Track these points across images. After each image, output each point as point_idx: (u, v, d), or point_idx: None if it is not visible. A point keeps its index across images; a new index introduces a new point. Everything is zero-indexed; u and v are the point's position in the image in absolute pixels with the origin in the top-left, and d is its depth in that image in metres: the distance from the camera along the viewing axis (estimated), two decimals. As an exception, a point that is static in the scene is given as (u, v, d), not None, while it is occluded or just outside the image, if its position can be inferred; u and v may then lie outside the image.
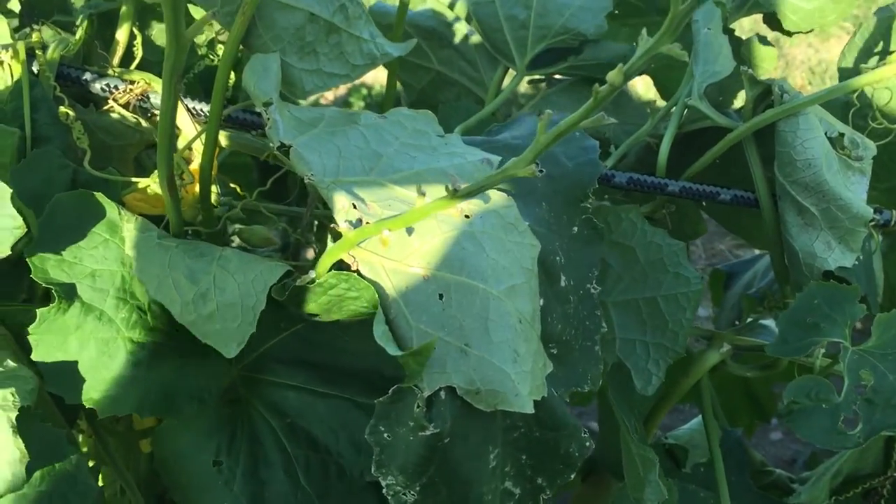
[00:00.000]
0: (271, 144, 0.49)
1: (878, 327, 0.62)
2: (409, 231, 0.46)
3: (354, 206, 0.46)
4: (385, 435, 0.47)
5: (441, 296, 0.47)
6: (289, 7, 0.54)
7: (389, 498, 0.48)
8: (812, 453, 1.36)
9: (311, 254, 0.85)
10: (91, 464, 0.75)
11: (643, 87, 1.53)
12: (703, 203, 0.86)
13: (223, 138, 0.66)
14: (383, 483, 0.47)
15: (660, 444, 0.97)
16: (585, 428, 0.54)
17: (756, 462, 1.06)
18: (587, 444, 0.54)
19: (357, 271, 0.48)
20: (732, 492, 0.84)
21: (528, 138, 0.58)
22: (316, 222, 0.78)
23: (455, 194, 0.39)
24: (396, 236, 0.46)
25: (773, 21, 0.85)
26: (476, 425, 0.49)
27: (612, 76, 0.33)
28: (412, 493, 0.48)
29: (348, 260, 0.46)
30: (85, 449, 0.76)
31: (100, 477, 0.77)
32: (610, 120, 0.34)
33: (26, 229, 0.47)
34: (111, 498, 0.78)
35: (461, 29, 0.98)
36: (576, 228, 0.58)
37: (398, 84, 1.05)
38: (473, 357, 0.47)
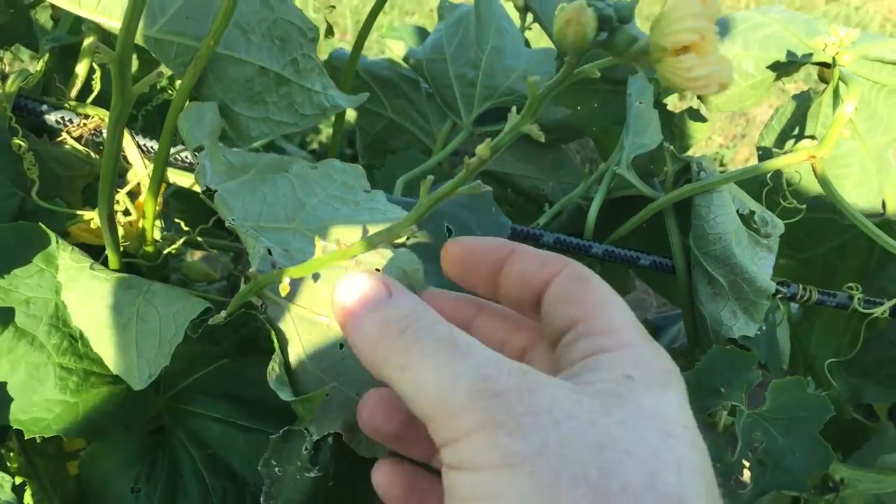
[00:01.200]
0: (201, 188, 0.52)
1: (772, 392, 0.67)
2: (315, 278, 0.49)
3: (269, 252, 0.49)
4: (276, 469, 0.49)
5: (341, 346, 0.50)
6: (240, 61, 0.57)
7: None
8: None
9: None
10: (18, 481, 0.77)
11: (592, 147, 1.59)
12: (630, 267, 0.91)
13: (172, 175, 0.69)
14: None
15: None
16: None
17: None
18: None
19: (265, 314, 0.51)
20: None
21: (452, 206, 0.62)
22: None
23: (348, 248, 0.42)
24: (306, 285, 0.49)
25: (701, 99, 0.90)
26: (361, 471, 0.52)
27: (480, 149, 0.37)
28: None
29: (257, 303, 0.49)
30: (15, 465, 0.77)
31: (28, 495, 0.78)
32: (486, 188, 0.38)
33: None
34: (35, 517, 0.79)
35: (414, 82, 1.03)
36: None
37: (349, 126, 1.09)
38: None
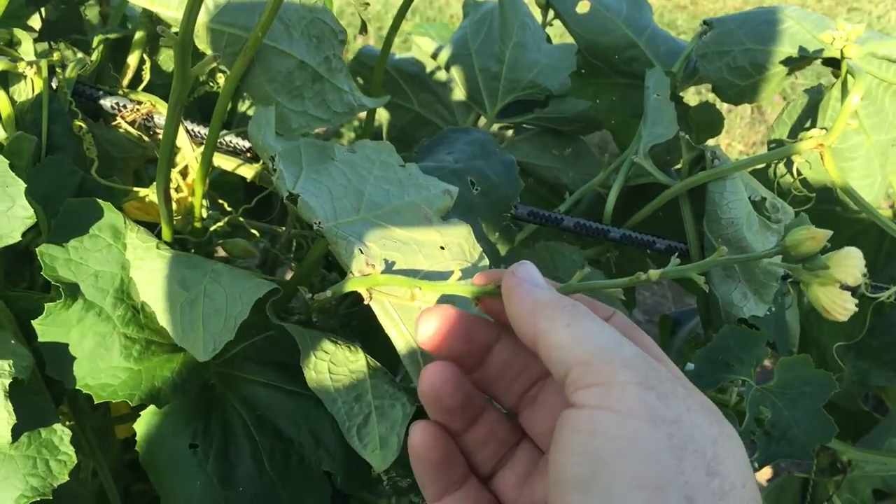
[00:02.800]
0: (280, 193, 0.56)
1: (780, 369, 0.71)
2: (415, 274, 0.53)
3: (361, 252, 0.53)
4: None
5: None
6: (284, 53, 0.62)
7: (388, 486, 0.55)
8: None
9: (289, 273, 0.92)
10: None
11: (609, 139, 1.63)
12: (648, 251, 0.95)
13: (217, 159, 0.74)
14: (384, 476, 0.55)
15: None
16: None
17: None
18: None
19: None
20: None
21: (467, 161, 0.66)
22: (292, 240, 0.85)
23: (483, 287, 0.47)
24: (404, 275, 0.53)
25: (716, 91, 0.94)
26: None
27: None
28: (408, 480, 0.55)
29: (364, 294, 0.53)
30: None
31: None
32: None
33: (35, 220, 0.54)
34: (84, 480, 0.84)
35: (440, 76, 1.08)
36: (497, 234, 0.67)
37: (380, 120, 1.13)
38: None
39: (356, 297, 0.57)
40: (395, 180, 0.61)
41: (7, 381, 0.51)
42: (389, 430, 0.54)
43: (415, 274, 0.54)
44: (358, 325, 0.83)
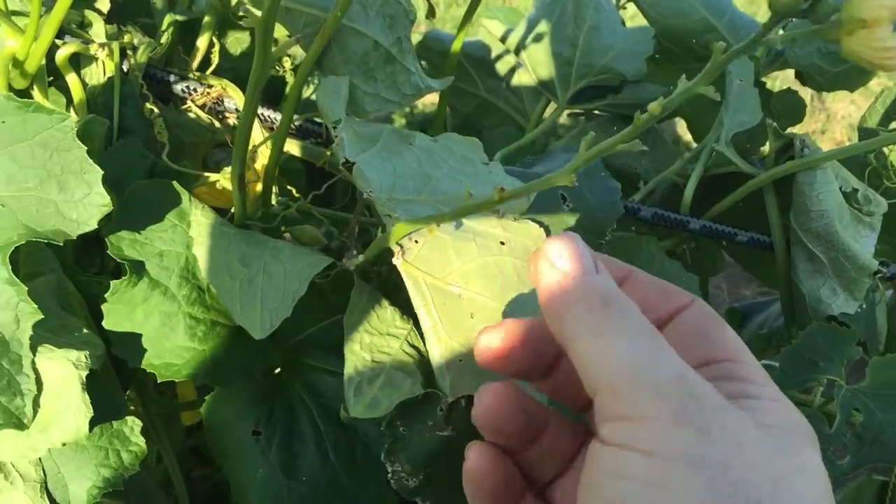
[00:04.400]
0: (337, 159, 0.55)
1: (872, 369, 0.67)
2: (451, 250, 0.51)
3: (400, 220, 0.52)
4: (401, 429, 0.53)
5: (472, 315, 0.52)
6: (360, 33, 0.60)
7: (392, 482, 0.54)
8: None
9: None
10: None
11: (676, 129, 1.59)
12: (724, 243, 0.91)
13: (286, 143, 0.73)
14: (389, 469, 0.53)
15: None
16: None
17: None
18: None
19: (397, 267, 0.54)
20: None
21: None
22: (359, 228, 0.84)
23: (492, 197, 0.45)
24: (440, 254, 0.52)
25: (802, 78, 0.90)
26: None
27: (653, 106, 0.38)
28: (415, 480, 0.53)
29: (395, 249, 0.52)
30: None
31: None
32: (643, 147, 0.39)
33: (112, 208, 0.54)
34: (150, 465, 0.84)
35: (509, 61, 1.05)
36: None
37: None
38: (491, 374, 0.52)
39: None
40: (472, 174, 0.59)
41: (85, 374, 0.51)
42: (386, 397, 0.52)
43: (461, 261, 0.52)
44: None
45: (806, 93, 1.01)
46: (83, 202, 0.51)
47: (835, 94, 2.67)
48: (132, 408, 0.81)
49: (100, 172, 0.52)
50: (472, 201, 0.47)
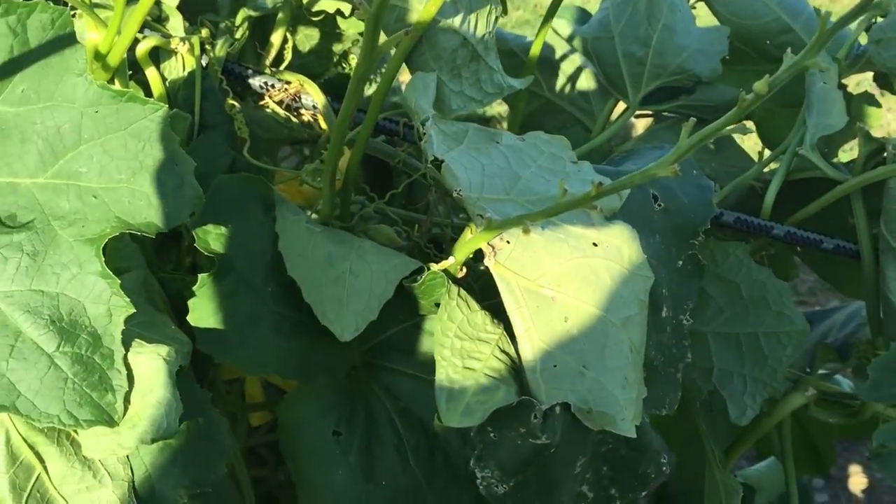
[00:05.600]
0: (425, 157, 0.54)
1: (971, 384, 0.64)
2: (543, 250, 0.50)
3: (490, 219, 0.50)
4: (491, 435, 0.51)
5: (566, 318, 0.51)
6: (450, 30, 0.59)
7: (482, 487, 0.52)
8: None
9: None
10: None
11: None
12: (799, 249, 0.89)
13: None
14: (479, 475, 0.52)
15: (730, 481, 0.99)
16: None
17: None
18: (664, 468, 0.58)
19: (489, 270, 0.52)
20: (800, 534, 0.86)
21: None
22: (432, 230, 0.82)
23: (599, 188, 0.43)
24: (532, 256, 0.50)
25: (882, 80, 0.87)
26: (576, 437, 0.53)
27: (758, 86, 0.37)
28: (504, 486, 0.52)
29: (486, 250, 0.50)
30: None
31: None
32: (750, 130, 0.38)
33: (204, 200, 0.53)
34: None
35: (575, 61, 1.03)
36: (681, 262, 0.62)
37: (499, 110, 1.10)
38: (590, 379, 0.51)
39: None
40: (561, 172, 0.57)
41: (174, 370, 0.50)
42: (480, 405, 0.51)
43: (554, 263, 0.51)
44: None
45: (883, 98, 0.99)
46: (175, 194, 0.50)
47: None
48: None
49: (192, 164, 0.52)
50: (566, 198, 0.46)
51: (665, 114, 0.98)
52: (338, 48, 0.90)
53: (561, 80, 1.05)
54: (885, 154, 0.71)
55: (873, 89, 0.96)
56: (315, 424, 0.58)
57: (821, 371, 0.94)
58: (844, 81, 0.94)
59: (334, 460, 0.58)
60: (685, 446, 0.94)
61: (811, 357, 1.06)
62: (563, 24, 1.01)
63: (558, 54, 1.05)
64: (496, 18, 0.66)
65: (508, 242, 0.51)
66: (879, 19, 0.83)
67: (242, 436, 0.85)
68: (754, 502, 0.97)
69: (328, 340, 0.58)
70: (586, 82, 1.02)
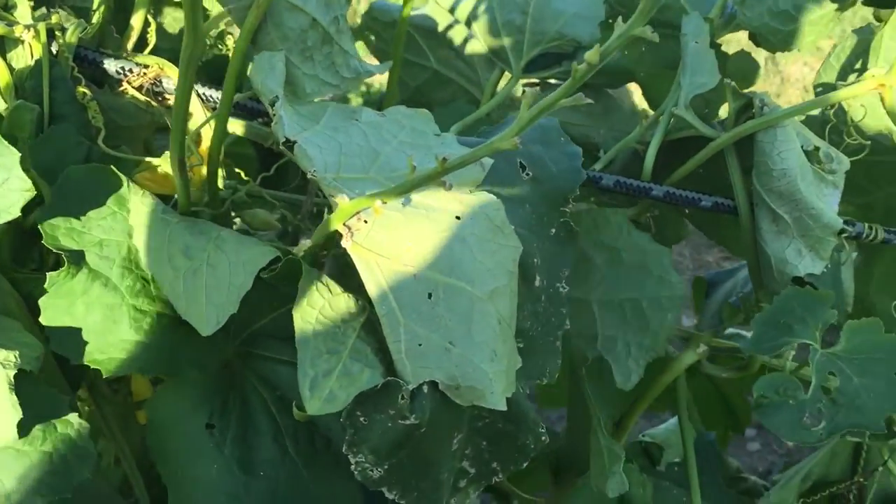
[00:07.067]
0: (276, 140, 0.52)
1: (847, 333, 0.66)
2: (402, 229, 0.49)
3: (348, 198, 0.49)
4: (361, 419, 0.50)
5: (430, 295, 0.50)
6: (297, 9, 0.57)
7: (357, 473, 0.51)
8: (786, 464, 1.39)
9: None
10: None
11: (633, 99, 1.57)
12: (686, 210, 0.90)
13: (231, 124, 0.69)
14: (353, 460, 0.51)
15: (636, 442, 1.00)
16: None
17: (731, 468, 1.10)
18: (543, 438, 0.58)
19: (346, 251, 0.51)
20: (704, 490, 0.87)
21: (522, 144, 0.61)
22: (314, 210, 0.81)
23: (444, 163, 0.42)
24: (391, 234, 0.49)
25: (756, 39, 0.88)
26: (448, 415, 0.52)
27: (589, 55, 0.36)
28: (379, 470, 0.51)
29: (342, 231, 0.49)
30: (86, 414, 0.78)
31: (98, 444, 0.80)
32: (586, 100, 0.37)
33: (35, 192, 0.50)
34: (106, 468, 0.81)
35: (460, 31, 1.02)
36: (553, 230, 0.61)
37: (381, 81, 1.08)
38: (456, 355, 0.50)
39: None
40: (423, 146, 0.56)
41: (12, 373, 0.47)
42: (343, 390, 0.50)
43: (415, 240, 0.50)
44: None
45: (760, 56, 1.00)
46: (2, 188, 0.47)
47: (788, 56, 2.67)
48: (85, 409, 0.77)
49: (17, 155, 0.49)
50: (416, 174, 0.45)
51: (551, 81, 0.97)
52: (211, 29, 0.87)
53: (447, 52, 1.03)
54: (753, 109, 0.72)
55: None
56: (186, 420, 0.56)
57: (730, 330, 0.95)
58: (722, 41, 0.96)
59: (208, 454, 0.56)
60: (576, 414, 0.95)
61: (719, 318, 1.08)
62: (445, -5, 1.00)
63: (443, 25, 1.04)
64: (347, 1, 0.64)
65: (366, 222, 0.50)
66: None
67: (136, 435, 0.82)
68: (663, 459, 0.99)
69: (195, 333, 0.56)
70: (473, 52, 1.01)
